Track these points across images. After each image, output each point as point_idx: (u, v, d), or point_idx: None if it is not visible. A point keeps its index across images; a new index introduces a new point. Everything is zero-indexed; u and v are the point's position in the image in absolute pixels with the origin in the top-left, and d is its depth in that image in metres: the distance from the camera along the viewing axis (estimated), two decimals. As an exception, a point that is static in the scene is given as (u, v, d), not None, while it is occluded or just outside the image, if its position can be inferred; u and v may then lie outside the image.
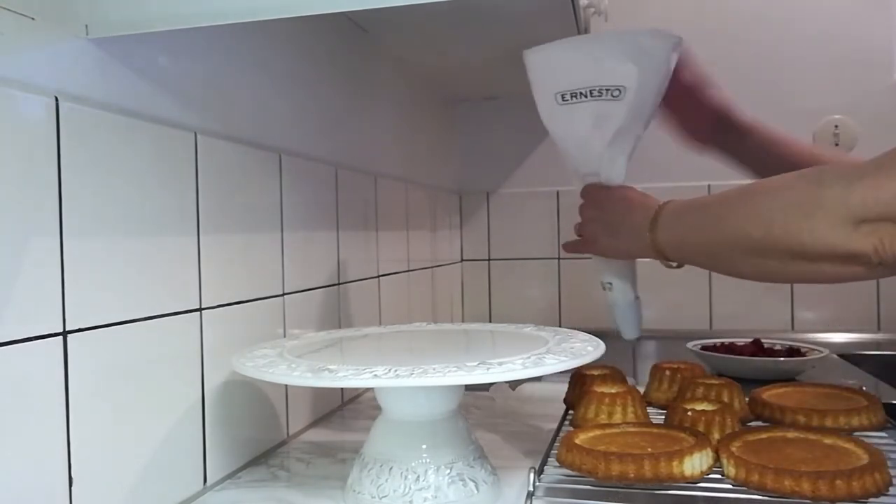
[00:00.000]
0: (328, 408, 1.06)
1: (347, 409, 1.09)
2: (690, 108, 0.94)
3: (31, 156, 0.54)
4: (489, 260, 1.88)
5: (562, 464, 0.63)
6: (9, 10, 0.53)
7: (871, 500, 0.55)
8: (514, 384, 1.08)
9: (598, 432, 0.68)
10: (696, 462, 0.60)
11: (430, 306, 1.59)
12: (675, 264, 0.80)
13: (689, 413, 0.72)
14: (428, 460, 0.65)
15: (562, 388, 0.89)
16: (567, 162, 0.90)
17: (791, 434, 0.67)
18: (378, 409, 0.70)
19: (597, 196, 0.86)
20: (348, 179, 1.12)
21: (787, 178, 0.68)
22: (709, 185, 1.16)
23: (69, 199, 0.57)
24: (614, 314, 0.92)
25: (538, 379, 1.03)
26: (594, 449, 0.62)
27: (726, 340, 1.32)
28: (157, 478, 0.67)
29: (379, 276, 1.25)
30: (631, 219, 0.81)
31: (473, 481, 0.66)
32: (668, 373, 0.88)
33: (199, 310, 0.74)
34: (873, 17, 1.65)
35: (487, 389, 1.10)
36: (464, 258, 1.90)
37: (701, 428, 0.69)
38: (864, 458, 0.59)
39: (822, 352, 1.21)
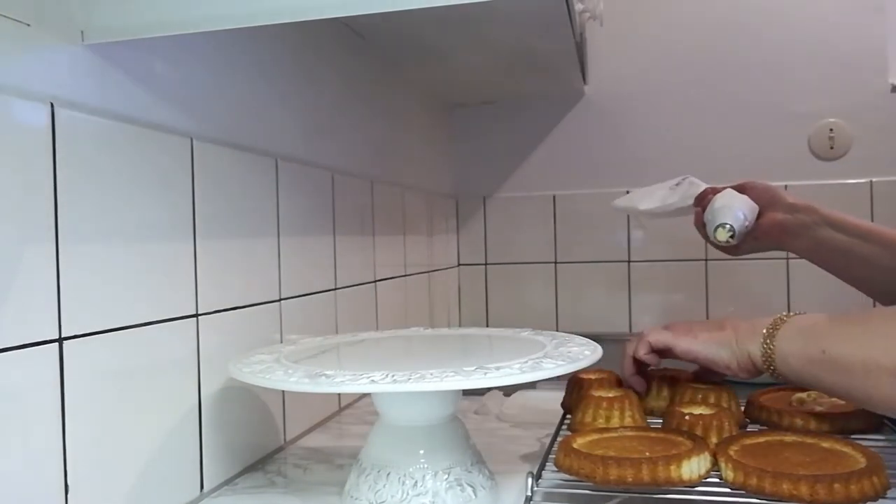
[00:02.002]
0: (325, 413, 1.05)
1: (345, 414, 1.09)
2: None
3: (27, 162, 0.54)
4: (486, 264, 1.88)
5: (560, 468, 0.63)
6: (4, 16, 0.53)
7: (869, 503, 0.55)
8: (507, 390, 1.08)
9: (595, 436, 0.68)
10: (694, 466, 0.60)
11: (427, 311, 1.59)
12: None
13: (687, 417, 0.71)
14: (426, 465, 0.65)
15: (559, 393, 0.89)
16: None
17: (789, 437, 0.67)
18: (375, 414, 0.70)
19: None
20: (345, 184, 1.12)
21: None
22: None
23: (65, 205, 0.57)
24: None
25: (535, 383, 1.03)
26: (592, 453, 0.62)
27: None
28: (153, 485, 0.66)
29: (376, 281, 1.24)
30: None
31: (471, 486, 0.66)
32: (655, 380, 0.86)
33: (196, 315, 0.73)
34: (868, 20, 1.65)
35: (483, 394, 1.10)
36: (461, 262, 1.89)
37: (699, 432, 0.69)
38: (862, 462, 0.59)
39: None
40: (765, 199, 1.00)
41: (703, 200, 1.05)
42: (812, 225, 0.97)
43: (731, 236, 0.96)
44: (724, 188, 1.03)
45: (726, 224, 0.96)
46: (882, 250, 0.93)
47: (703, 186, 1.09)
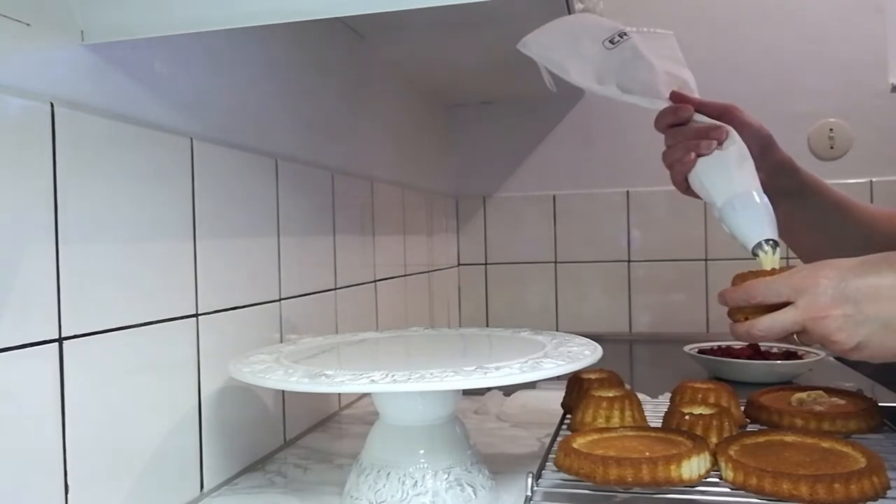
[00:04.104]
0: (325, 413, 1.05)
1: (344, 414, 1.09)
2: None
3: (27, 161, 0.54)
4: (486, 264, 1.88)
5: (560, 468, 0.63)
6: (4, 16, 0.53)
7: (869, 503, 0.55)
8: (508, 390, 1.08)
9: (595, 436, 0.68)
10: (694, 466, 0.60)
11: (427, 311, 1.59)
12: None
13: (687, 417, 0.72)
14: (425, 465, 0.65)
15: (559, 393, 0.89)
16: None
17: (789, 437, 0.67)
18: (375, 414, 0.70)
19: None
20: (345, 184, 1.12)
21: None
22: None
23: (64, 205, 0.57)
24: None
25: (534, 383, 1.03)
26: (592, 453, 0.62)
27: (723, 343, 1.32)
28: (153, 485, 0.66)
29: (376, 281, 1.24)
30: None
31: (471, 486, 0.66)
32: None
33: (196, 315, 0.73)
34: (867, 21, 1.66)
35: (483, 394, 1.10)
36: (460, 262, 1.90)
37: (699, 431, 0.69)
38: (862, 462, 0.59)
39: (818, 354, 1.21)
40: (756, 147, 0.78)
41: (678, 125, 0.83)
42: (789, 192, 0.83)
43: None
44: (705, 108, 0.82)
45: (770, 241, 0.69)
46: (847, 223, 0.85)
47: (648, 61, 0.87)
